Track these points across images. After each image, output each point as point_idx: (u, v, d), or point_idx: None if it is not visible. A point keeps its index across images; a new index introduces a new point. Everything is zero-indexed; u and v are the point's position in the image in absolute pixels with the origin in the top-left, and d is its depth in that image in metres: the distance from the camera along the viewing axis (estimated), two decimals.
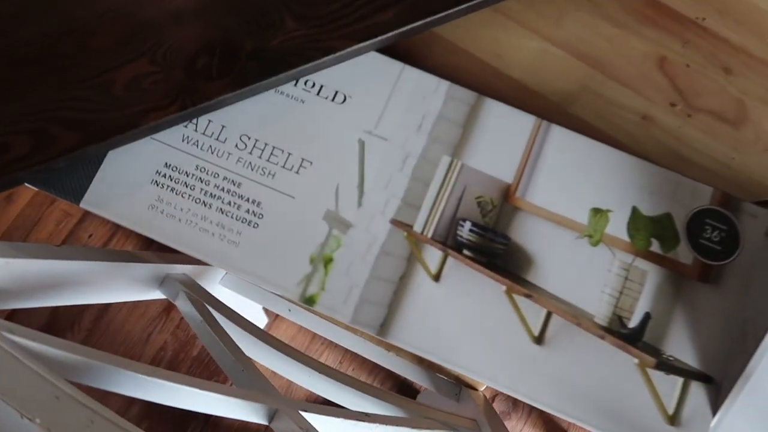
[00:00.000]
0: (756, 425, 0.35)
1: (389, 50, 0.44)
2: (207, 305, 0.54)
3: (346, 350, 0.90)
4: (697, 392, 0.35)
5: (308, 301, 0.36)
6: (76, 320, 0.97)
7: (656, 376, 0.35)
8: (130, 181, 0.37)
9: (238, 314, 0.56)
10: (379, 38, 0.36)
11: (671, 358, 0.36)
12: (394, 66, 0.39)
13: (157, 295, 0.55)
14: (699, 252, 0.37)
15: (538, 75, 0.44)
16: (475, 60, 0.44)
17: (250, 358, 0.46)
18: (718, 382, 0.35)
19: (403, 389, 0.95)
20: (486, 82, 0.44)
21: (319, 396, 0.61)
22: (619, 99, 0.44)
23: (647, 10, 0.45)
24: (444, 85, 0.39)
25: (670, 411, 0.35)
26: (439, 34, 0.44)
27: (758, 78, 0.44)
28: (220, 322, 0.53)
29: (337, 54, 0.36)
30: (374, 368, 0.96)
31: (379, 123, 0.38)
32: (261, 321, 0.97)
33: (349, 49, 0.36)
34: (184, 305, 0.53)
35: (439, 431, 0.51)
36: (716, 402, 0.35)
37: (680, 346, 0.36)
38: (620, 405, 0.35)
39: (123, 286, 0.48)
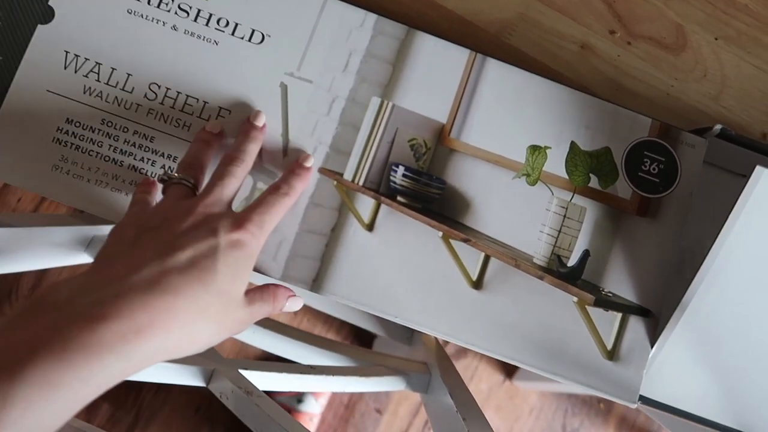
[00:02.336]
0: (692, 352, 0.35)
1: None
2: None
3: None
4: (636, 326, 0.35)
5: None
6: (13, 288, 0.91)
7: (595, 313, 0.35)
8: (28, 140, 0.33)
9: None
10: None
11: (610, 294, 0.35)
12: None
13: (84, 258, 0.52)
14: (637, 186, 0.36)
15: (473, 3, 0.41)
16: None
17: None
18: (656, 314, 0.35)
19: (359, 338, 0.95)
20: (418, 13, 0.41)
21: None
22: (558, 27, 0.42)
23: None
24: (371, 18, 0.36)
25: (609, 346, 0.35)
26: None
27: (696, 1, 0.43)
28: None
29: None
30: (327, 319, 0.95)
31: (302, 64, 0.35)
32: None
33: None
34: None
35: (389, 377, 0.51)
36: (654, 334, 0.35)
37: (619, 282, 0.35)
38: (560, 345, 0.35)
39: (43, 253, 0.45)
